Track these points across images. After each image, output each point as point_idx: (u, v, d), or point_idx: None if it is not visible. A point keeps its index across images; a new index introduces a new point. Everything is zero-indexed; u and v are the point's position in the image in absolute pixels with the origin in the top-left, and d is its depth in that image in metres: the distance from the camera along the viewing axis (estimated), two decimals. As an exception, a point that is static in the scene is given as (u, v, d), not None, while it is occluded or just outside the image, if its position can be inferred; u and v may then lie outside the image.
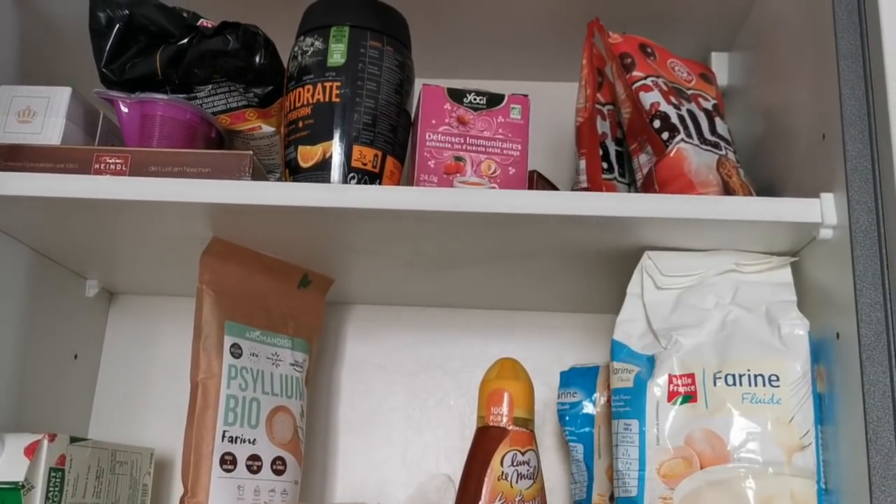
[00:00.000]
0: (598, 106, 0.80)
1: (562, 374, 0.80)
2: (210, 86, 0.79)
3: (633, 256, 0.73)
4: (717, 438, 0.62)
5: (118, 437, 0.93)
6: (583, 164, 0.78)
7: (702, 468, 0.62)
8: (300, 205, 0.66)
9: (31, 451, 0.68)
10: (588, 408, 0.77)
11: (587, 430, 0.76)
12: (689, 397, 0.64)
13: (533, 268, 0.81)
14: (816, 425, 0.62)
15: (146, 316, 1.00)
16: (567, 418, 0.78)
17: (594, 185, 0.76)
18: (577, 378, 0.79)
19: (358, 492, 0.92)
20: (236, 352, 0.76)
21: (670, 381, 0.65)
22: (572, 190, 0.81)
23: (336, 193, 0.66)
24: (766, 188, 0.77)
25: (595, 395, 0.77)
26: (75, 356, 0.93)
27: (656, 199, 0.67)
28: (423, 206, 0.64)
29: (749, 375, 0.63)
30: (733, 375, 0.63)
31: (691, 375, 0.64)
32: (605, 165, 0.79)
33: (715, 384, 0.63)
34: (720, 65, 0.93)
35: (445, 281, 0.87)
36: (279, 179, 0.86)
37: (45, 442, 0.68)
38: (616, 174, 0.80)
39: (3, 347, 0.78)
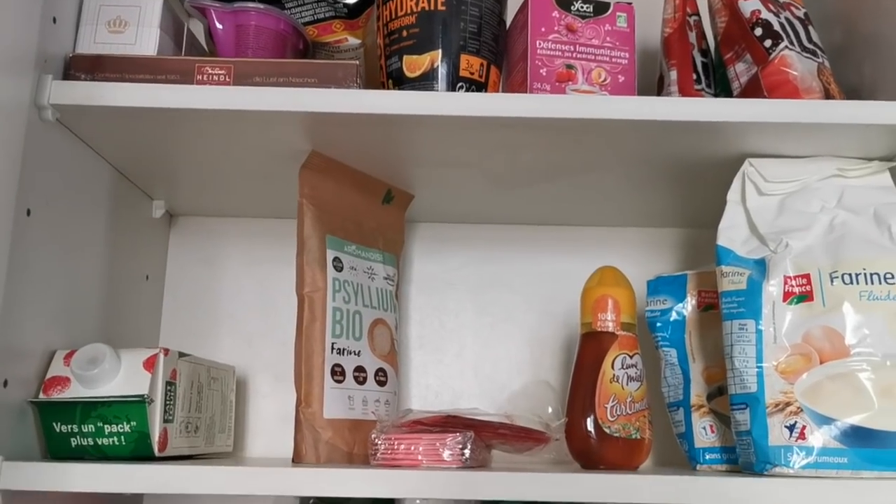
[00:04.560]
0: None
1: (649, 282, 0.81)
2: (298, -5, 0.77)
3: (716, 166, 0.75)
4: (836, 334, 0.65)
5: (191, 358, 0.93)
6: (674, 74, 0.78)
7: (821, 363, 0.64)
8: (421, 113, 0.66)
9: (151, 364, 0.67)
10: (678, 314, 0.79)
11: (679, 335, 0.79)
12: (805, 297, 0.66)
13: (615, 180, 0.82)
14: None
15: (208, 237, 0.98)
16: (658, 325, 0.79)
17: (687, 96, 0.77)
18: (666, 286, 0.80)
19: (434, 404, 0.94)
20: (338, 265, 0.76)
21: (785, 282, 0.67)
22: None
23: (464, 101, 0.66)
24: (850, 94, 0.79)
25: (685, 301, 0.79)
26: (147, 277, 0.92)
27: (767, 104, 0.68)
28: (553, 113, 0.64)
29: (865, 274, 0.65)
30: (849, 275, 0.65)
31: (806, 276, 0.66)
32: (693, 76, 0.80)
33: (832, 283, 0.65)
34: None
35: (524, 196, 0.88)
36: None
37: (162, 356, 0.68)
38: (703, 85, 0.80)
39: (89, 266, 0.76)
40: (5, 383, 0.62)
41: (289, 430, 0.75)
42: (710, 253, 0.72)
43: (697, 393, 0.77)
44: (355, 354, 0.75)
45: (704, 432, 0.75)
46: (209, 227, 0.99)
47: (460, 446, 0.65)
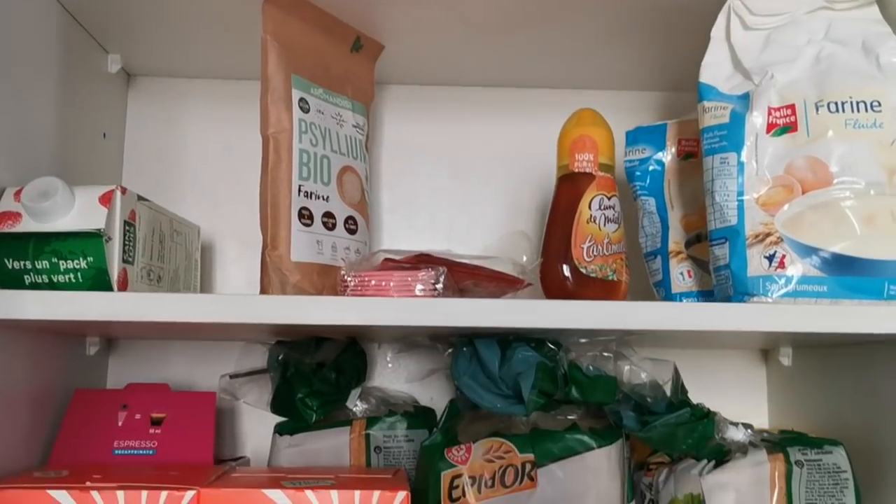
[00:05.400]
0: None
1: (628, 132, 0.79)
2: None
3: (695, 13, 0.72)
4: (819, 164, 0.63)
5: (155, 221, 0.90)
6: None
7: (803, 194, 0.62)
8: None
9: (107, 200, 0.64)
10: (657, 162, 0.77)
11: (658, 183, 0.77)
12: (789, 128, 0.64)
13: (595, 30, 0.79)
14: (913, 150, 0.63)
15: (170, 99, 0.94)
16: (637, 174, 0.77)
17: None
18: (645, 135, 0.78)
19: (406, 269, 0.92)
20: (304, 106, 0.72)
21: (769, 114, 0.64)
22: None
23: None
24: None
25: (664, 149, 0.77)
26: (104, 135, 0.88)
27: (755, -71, 0.64)
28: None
29: (851, 102, 0.63)
30: (836, 103, 0.63)
31: (791, 106, 0.64)
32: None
33: (818, 112, 0.63)
34: None
35: (500, 50, 0.84)
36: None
37: (119, 193, 0.65)
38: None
39: (39, 114, 0.72)
40: (-50, 210, 0.59)
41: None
42: (692, 115, 0.69)
43: (675, 240, 0.75)
44: (323, 199, 0.72)
45: (682, 277, 0.74)
46: (171, 88, 0.94)
47: (433, 281, 0.63)
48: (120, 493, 0.59)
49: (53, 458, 0.73)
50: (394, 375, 0.89)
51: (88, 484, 0.60)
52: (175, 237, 0.77)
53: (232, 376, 0.79)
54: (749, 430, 0.70)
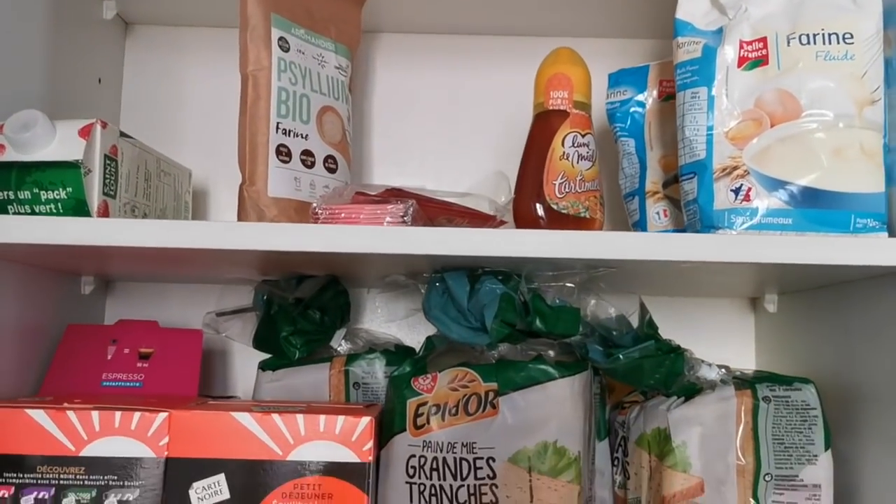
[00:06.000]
0: None
1: (610, 75, 0.79)
2: None
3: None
4: (789, 97, 0.62)
5: (150, 166, 0.92)
6: None
7: (772, 127, 0.62)
8: None
9: (86, 132, 0.66)
10: (638, 104, 0.77)
11: (638, 124, 0.76)
12: (760, 61, 0.63)
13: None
14: (885, 84, 0.62)
15: (167, 47, 0.96)
16: (618, 115, 0.77)
17: None
18: (627, 76, 0.78)
19: (396, 215, 0.93)
20: (284, 45, 0.73)
21: (741, 47, 0.64)
22: None
23: None
24: None
25: (646, 91, 0.77)
26: (99, 80, 0.89)
27: None
28: None
29: (823, 34, 0.62)
30: (807, 35, 0.63)
31: (763, 39, 0.64)
32: None
33: (788, 44, 0.63)
34: None
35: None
36: None
37: (98, 126, 0.66)
38: None
39: (28, 53, 0.74)
40: (-68, 137, 0.61)
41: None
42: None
43: (654, 180, 0.75)
44: (302, 137, 0.73)
45: (658, 217, 0.74)
46: (168, 36, 0.96)
47: (402, 214, 0.64)
48: (95, 413, 0.62)
49: (44, 388, 0.76)
50: (381, 319, 0.91)
51: (66, 405, 0.62)
52: (163, 177, 0.79)
53: (218, 314, 0.81)
54: (723, 370, 0.70)
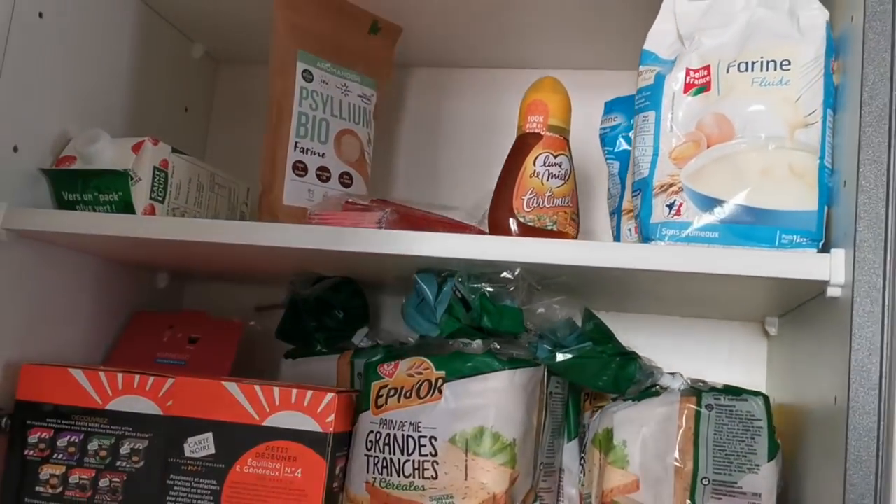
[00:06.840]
0: None
1: (606, 103, 0.85)
2: None
3: None
4: (724, 120, 0.66)
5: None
6: None
7: (709, 148, 0.66)
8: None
9: (138, 148, 0.80)
10: (627, 129, 0.82)
11: (625, 148, 0.82)
12: (704, 87, 0.68)
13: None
14: (826, 108, 0.65)
15: (252, 83, 1.11)
16: (606, 140, 0.83)
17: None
18: (620, 104, 0.83)
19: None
20: (308, 77, 0.85)
21: (687, 74, 0.69)
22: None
23: None
24: None
25: (633, 118, 0.82)
26: (185, 109, 1.06)
27: None
28: None
29: (762, 62, 0.66)
30: (746, 63, 0.66)
31: (707, 67, 0.68)
32: None
33: (728, 72, 0.67)
34: None
35: (513, 28, 0.93)
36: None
37: (149, 143, 0.81)
38: None
39: (119, 90, 0.91)
40: (15, 149, 0.77)
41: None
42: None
43: (629, 199, 0.80)
44: (319, 156, 0.85)
45: (629, 233, 0.79)
46: (251, 72, 1.11)
47: (377, 220, 0.73)
48: (119, 375, 0.75)
49: (107, 362, 0.91)
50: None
51: (101, 368, 0.76)
52: (217, 189, 0.93)
53: (257, 308, 0.94)
54: (688, 380, 0.74)
